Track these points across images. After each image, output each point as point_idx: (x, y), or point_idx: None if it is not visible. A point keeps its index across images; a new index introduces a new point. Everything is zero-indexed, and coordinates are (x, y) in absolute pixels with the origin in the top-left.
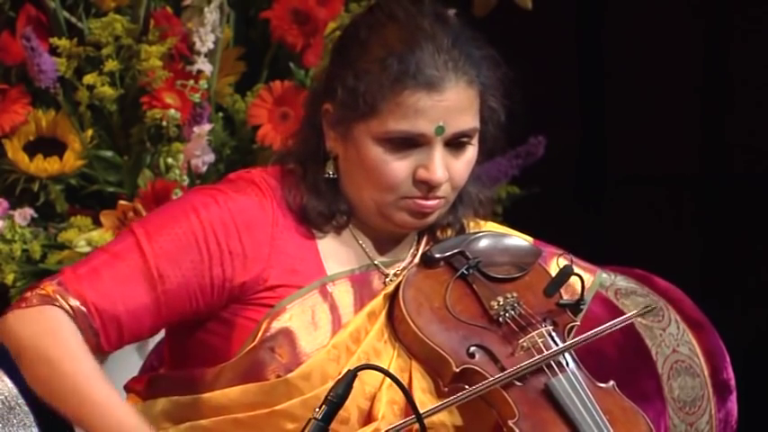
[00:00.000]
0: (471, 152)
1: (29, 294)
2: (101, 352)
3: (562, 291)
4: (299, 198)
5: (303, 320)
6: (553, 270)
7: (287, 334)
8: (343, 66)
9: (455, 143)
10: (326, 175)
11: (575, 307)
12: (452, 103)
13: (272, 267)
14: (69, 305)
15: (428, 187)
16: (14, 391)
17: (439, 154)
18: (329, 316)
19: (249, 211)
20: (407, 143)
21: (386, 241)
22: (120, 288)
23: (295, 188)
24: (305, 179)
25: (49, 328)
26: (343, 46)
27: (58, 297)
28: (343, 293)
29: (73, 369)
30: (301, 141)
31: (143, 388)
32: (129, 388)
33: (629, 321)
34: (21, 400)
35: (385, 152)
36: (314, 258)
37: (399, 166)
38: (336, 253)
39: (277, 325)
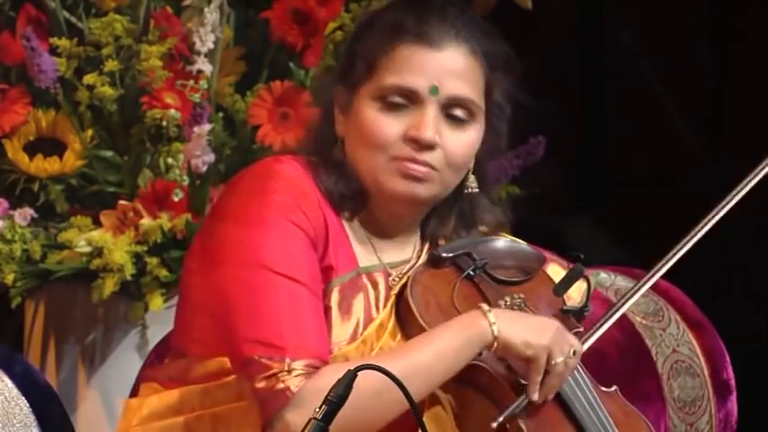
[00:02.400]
0: (473, 133)
1: (281, 386)
2: None
3: (565, 297)
4: (326, 183)
5: (342, 306)
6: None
7: (328, 315)
8: (351, 42)
9: (452, 115)
10: (337, 159)
11: (579, 313)
12: (449, 64)
13: (327, 249)
14: (309, 365)
15: (418, 147)
16: (15, 391)
17: (431, 114)
18: (363, 304)
19: (303, 197)
20: (402, 103)
21: (392, 242)
22: (317, 323)
23: (320, 174)
24: (326, 166)
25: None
26: (356, 29)
27: (295, 366)
28: (377, 286)
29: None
30: (317, 130)
31: (164, 375)
32: (147, 376)
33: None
34: (21, 400)
35: (379, 110)
36: (348, 246)
37: (391, 124)
38: (359, 247)
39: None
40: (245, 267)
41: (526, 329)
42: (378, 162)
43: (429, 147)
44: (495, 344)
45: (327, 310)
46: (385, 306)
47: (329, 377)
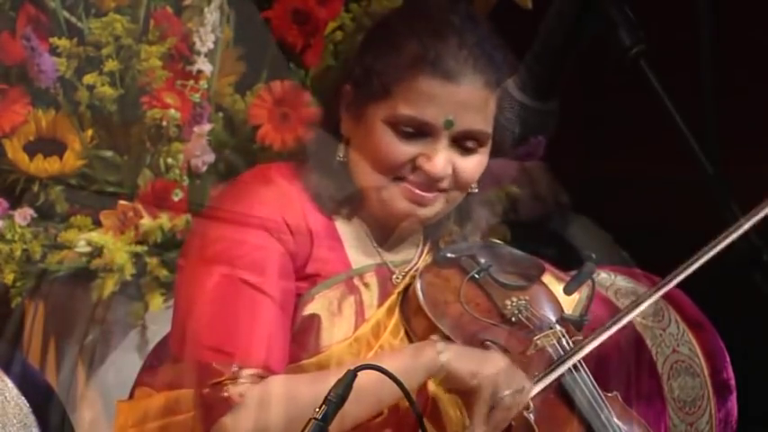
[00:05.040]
0: (481, 156)
1: (225, 394)
2: None
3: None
4: (313, 184)
5: (329, 310)
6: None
7: (314, 320)
8: (366, 48)
9: (463, 145)
10: (338, 158)
11: (577, 322)
12: (465, 99)
13: (310, 258)
14: (256, 374)
15: (426, 178)
16: (15, 391)
17: (444, 149)
18: (354, 308)
19: (288, 207)
20: (415, 132)
21: (394, 241)
22: (272, 334)
23: (309, 176)
24: (322, 168)
25: (269, 401)
26: (372, 31)
27: (242, 375)
28: (369, 287)
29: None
30: (318, 126)
31: (160, 381)
32: (142, 381)
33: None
34: (21, 400)
35: (392, 136)
36: (340, 250)
37: (403, 149)
38: (356, 248)
39: (304, 313)
40: (212, 267)
41: (473, 361)
42: (382, 180)
43: (438, 180)
44: (441, 372)
45: (312, 318)
46: (382, 304)
47: (273, 387)
